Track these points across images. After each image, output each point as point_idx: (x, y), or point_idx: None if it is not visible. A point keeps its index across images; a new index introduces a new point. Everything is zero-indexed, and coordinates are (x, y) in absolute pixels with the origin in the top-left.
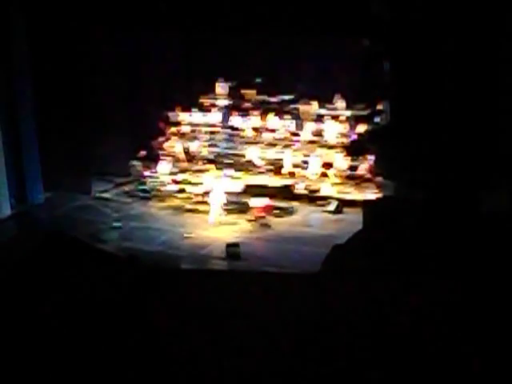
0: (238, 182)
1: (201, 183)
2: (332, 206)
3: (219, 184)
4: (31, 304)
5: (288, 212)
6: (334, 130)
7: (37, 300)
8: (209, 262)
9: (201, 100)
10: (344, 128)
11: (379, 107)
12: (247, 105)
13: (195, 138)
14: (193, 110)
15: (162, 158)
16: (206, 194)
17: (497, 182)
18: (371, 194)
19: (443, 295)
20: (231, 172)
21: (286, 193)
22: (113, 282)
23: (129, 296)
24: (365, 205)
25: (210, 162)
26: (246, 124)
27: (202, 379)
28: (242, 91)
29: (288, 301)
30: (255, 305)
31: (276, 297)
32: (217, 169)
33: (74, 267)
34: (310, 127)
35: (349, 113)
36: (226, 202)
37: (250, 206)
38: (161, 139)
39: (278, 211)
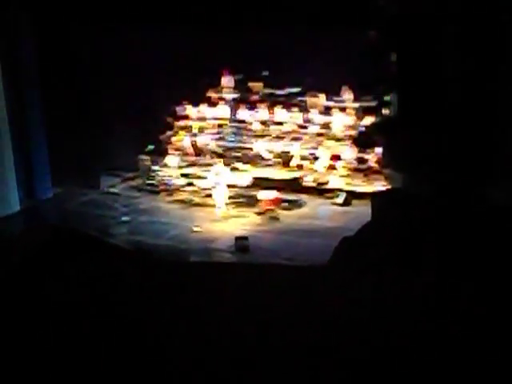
0: (246, 175)
1: (207, 177)
2: (340, 199)
3: (223, 177)
4: (37, 299)
5: (296, 205)
6: (341, 122)
7: (43, 295)
8: (218, 255)
9: (208, 94)
10: (352, 120)
11: (387, 99)
12: (254, 98)
13: (203, 132)
14: (200, 104)
15: (170, 152)
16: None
17: (501, 175)
18: (380, 186)
19: (454, 291)
20: (239, 165)
21: (294, 185)
22: (123, 276)
23: (139, 289)
24: (373, 197)
25: (218, 155)
26: (254, 117)
27: (210, 377)
28: (250, 84)
29: (297, 293)
30: (264, 297)
31: (285, 289)
32: (224, 163)
33: (82, 261)
34: (317, 119)
35: (356, 105)
36: (230, 195)
37: (258, 198)
38: (168, 133)
39: (286, 204)
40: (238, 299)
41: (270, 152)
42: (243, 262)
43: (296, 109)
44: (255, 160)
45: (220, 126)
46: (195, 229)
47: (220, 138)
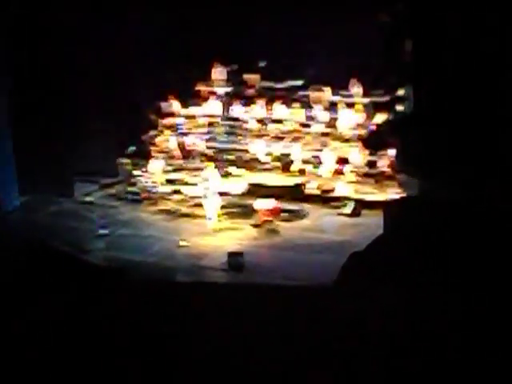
0: (240, 181)
1: (196, 184)
2: (348, 208)
3: (214, 184)
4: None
5: (298, 215)
6: (349, 120)
7: (15, 320)
8: (208, 273)
9: (197, 88)
10: (361, 117)
11: (401, 93)
12: (250, 92)
13: (191, 132)
14: (188, 99)
15: (153, 154)
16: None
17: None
18: (393, 194)
19: (476, 310)
20: (232, 170)
21: (295, 193)
22: (99, 298)
23: (117, 314)
24: (386, 206)
25: (209, 158)
26: (249, 114)
27: None
28: (244, 76)
29: (299, 319)
30: (261, 324)
31: (285, 314)
32: (216, 167)
33: (55, 283)
34: (322, 117)
35: (366, 100)
36: (222, 204)
37: (255, 208)
38: (152, 133)
39: (286, 214)
40: (230, 326)
41: (268, 154)
42: (237, 283)
43: (297, 105)
44: (251, 164)
45: (211, 124)
46: (182, 243)
47: (211, 139)
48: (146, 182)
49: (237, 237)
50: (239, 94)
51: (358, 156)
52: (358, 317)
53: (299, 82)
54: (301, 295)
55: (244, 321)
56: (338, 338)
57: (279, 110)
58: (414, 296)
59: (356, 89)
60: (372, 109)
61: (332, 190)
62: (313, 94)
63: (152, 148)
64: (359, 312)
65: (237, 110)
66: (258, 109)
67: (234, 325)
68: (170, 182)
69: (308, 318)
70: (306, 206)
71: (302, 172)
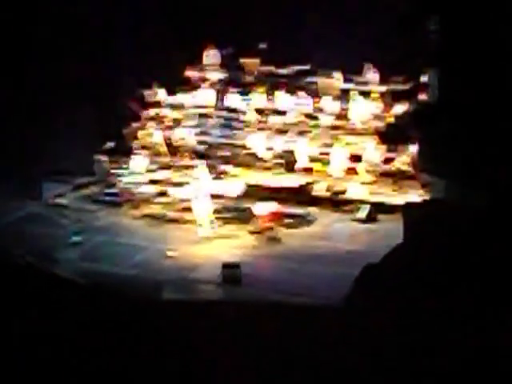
0: (236, 181)
1: (187, 183)
2: (363, 213)
3: (206, 184)
4: None
5: (304, 221)
6: (364, 111)
7: None
8: (199, 288)
9: (186, 73)
10: (377, 108)
11: (424, 80)
12: (248, 79)
13: (179, 124)
14: (176, 86)
15: (135, 150)
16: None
17: None
18: (414, 197)
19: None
20: (227, 168)
21: (300, 195)
22: (71, 319)
23: (92, 337)
24: (406, 211)
25: (200, 155)
26: (247, 104)
27: None
28: (241, 60)
29: (302, 343)
30: (261, 349)
31: (287, 338)
32: (208, 165)
33: (12, 301)
34: (331, 107)
35: (384, 88)
36: (215, 208)
37: (254, 213)
38: (134, 126)
39: (290, 220)
40: (224, 354)
41: (269, 150)
42: (233, 300)
43: (303, 93)
44: (249, 162)
45: (202, 115)
46: (169, 253)
47: (202, 133)
48: (127, 183)
49: (233, 245)
50: (235, 80)
51: (374, 152)
52: (371, 343)
53: (305, 68)
54: (306, 315)
55: (240, 346)
56: (348, 369)
57: (282, 99)
58: (436, 316)
59: (371, 75)
60: (390, 98)
61: (343, 192)
62: (321, 82)
63: (134, 143)
64: (373, 336)
65: (232, 99)
66: (258, 98)
67: (228, 353)
68: (154, 182)
69: (313, 342)
70: (313, 211)
71: (308, 171)
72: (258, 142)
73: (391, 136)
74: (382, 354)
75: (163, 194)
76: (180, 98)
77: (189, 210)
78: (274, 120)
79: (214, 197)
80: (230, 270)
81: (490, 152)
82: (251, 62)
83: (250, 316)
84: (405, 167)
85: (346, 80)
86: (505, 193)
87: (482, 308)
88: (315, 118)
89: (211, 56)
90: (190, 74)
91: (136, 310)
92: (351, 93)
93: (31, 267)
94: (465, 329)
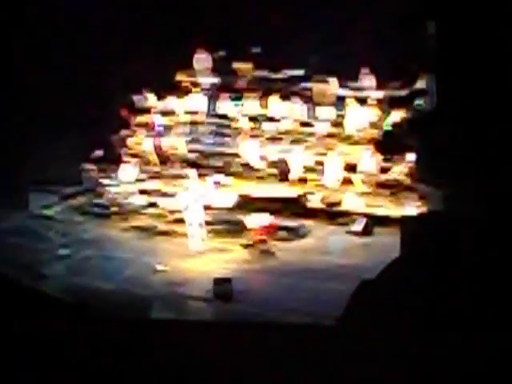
0: (228, 192)
1: (175, 195)
2: (359, 225)
3: (198, 195)
4: None
5: (298, 234)
6: (359, 118)
7: None
8: (189, 304)
9: (177, 78)
10: (374, 115)
11: (421, 85)
12: (241, 83)
13: (170, 132)
14: (166, 92)
15: (124, 159)
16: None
17: None
18: (412, 209)
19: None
20: (219, 178)
21: (295, 207)
22: (50, 342)
23: (78, 360)
24: (403, 224)
25: (191, 164)
26: (240, 111)
27: None
28: (234, 65)
29: (298, 363)
30: (253, 369)
31: (281, 358)
32: (199, 175)
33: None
34: (326, 114)
35: (380, 94)
36: (205, 220)
37: (246, 225)
38: (123, 133)
39: (284, 233)
40: (216, 374)
41: (262, 160)
42: (224, 320)
43: (298, 99)
44: (242, 171)
45: (193, 122)
46: (159, 267)
47: (193, 140)
48: (116, 193)
49: (224, 259)
50: (228, 85)
51: (370, 162)
52: (368, 363)
53: (300, 72)
54: (299, 334)
55: (231, 366)
56: None
57: (276, 105)
58: (436, 334)
59: (368, 80)
60: (387, 105)
61: (339, 203)
62: (316, 87)
63: (123, 151)
64: (370, 356)
65: (225, 105)
66: (251, 104)
67: (219, 373)
68: (144, 192)
69: (307, 362)
70: (308, 223)
71: (302, 181)
72: (250, 151)
73: (388, 145)
74: (379, 375)
75: (153, 205)
76: (170, 103)
77: (179, 221)
78: (268, 127)
79: (205, 208)
80: (221, 286)
81: (489, 161)
82: (244, 67)
83: (241, 338)
84: (402, 177)
85: (341, 86)
86: (505, 203)
87: (483, 323)
88: (310, 126)
89: (201, 60)
90: (181, 78)
91: (124, 331)
92: (347, 99)
93: (9, 284)
94: (465, 347)
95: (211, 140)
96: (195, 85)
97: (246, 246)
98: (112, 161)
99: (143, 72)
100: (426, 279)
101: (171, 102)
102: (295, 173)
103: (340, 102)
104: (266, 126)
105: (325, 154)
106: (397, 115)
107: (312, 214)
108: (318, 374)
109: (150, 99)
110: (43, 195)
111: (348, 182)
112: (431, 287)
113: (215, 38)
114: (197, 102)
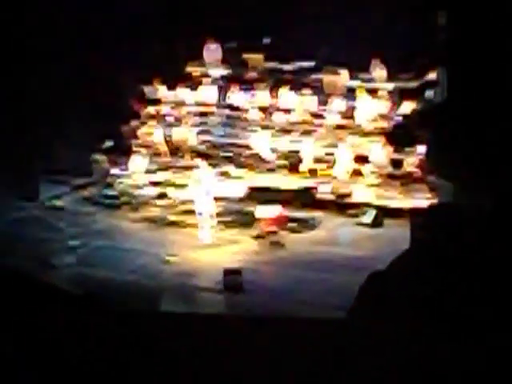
0: (238, 183)
1: (186, 186)
2: (369, 217)
3: (208, 186)
4: None
5: (308, 225)
6: (370, 110)
7: None
8: (199, 295)
9: (188, 69)
10: (384, 107)
11: (432, 77)
12: (251, 75)
13: (180, 123)
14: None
15: (135, 150)
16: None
17: None
18: (422, 200)
19: None
20: (229, 169)
21: (305, 198)
22: (59, 335)
23: (86, 354)
24: (413, 215)
25: (201, 155)
26: (250, 102)
27: None
28: (245, 56)
29: (307, 356)
30: (262, 362)
31: (289, 351)
32: (210, 165)
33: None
34: (337, 105)
35: (391, 85)
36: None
37: (257, 217)
38: (133, 124)
39: (294, 224)
40: (226, 369)
41: (273, 151)
42: (234, 315)
43: (308, 91)
44: (252, 162)
45: (204, 114)
46: (169, 258)
47: (204, 132)
48: (126, 184)
49: (234, 251)
50: (238, 77)
51: (381, 153)
52: (377, 356)
53: (311, 64)
54: (308, 327)
55: (240, 359)
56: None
57: (286, 96)
58: (446, 327)
59: (379, 71)
60: (398, 96)
61: (349, 195)
62: (327, 78)
63: (133, 142)
64: (379, 348)
65: (235, 96)
66: (261, 95)
67: (228, 366)
68: (154, 183)
69: (315, 355)
70: (318, 215)
71: (313, 173)
72: (261, 142)
73: (398, 136)
74: (388, 369)
75: (163, 195)
76: (181, 94)
77: (190, 212)
78: (279, 119)
79: (216, 199)
80: (232, 277)
81: (500, 153)
82: (255, 58)
83: (251, 327)
84: (412, 169)
85: (352, 77)
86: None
87: (493, 315)
88: (321, 117)
89: (211, 51)
90: (192, 70)
91: (132, 324)
92: (357, 90)
93: (16, 276)
94: (475, 340)
95: (222, 131)
96: (205, 76)
97: (257, 238)
98: (122, 151)
99: (154, 63)
100: (436, 271)
101: (182, 92)
102: (306, 164)
103: (350, 93)
104: (276, 117)
105: (335, 146)
106: (408, 106)
107: (322, 205)
108: (328, 365)
109: (161, 90)
110: (54, 186)
111: (358, 174)
112: (441, 279)
113: (226, 28)
114: (207, 92)
